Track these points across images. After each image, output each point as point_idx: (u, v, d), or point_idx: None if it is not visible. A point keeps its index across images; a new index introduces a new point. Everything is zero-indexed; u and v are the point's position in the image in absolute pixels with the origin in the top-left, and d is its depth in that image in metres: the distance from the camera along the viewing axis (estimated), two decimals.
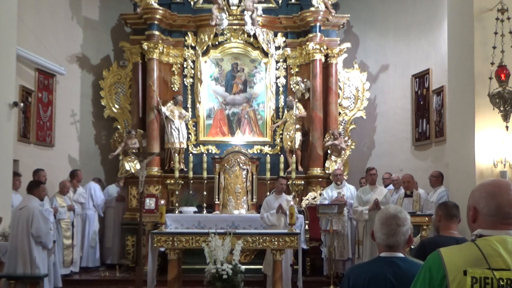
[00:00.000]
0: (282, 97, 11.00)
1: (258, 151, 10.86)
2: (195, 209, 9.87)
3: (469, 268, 1.83)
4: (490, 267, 1.82)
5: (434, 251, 1.96)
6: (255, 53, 11.06)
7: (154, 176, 10.46)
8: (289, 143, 10.57)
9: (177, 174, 10.21)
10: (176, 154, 10.44)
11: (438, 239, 3.93)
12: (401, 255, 2.60)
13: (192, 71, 11.00)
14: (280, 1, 10.99)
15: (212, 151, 10.88)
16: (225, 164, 10.21)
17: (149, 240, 7.30)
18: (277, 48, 10.96)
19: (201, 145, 10.96)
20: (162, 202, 7.84)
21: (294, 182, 10.15)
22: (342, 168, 10.21)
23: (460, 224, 4.27)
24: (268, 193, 9.67)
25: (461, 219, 4.19)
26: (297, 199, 10.15)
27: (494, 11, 6.60)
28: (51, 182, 9.38)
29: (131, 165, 10.38)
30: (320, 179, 10.43)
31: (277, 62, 10.98)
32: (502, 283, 1.81)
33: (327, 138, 10.57)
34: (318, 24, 10.60)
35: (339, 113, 10.98)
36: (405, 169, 9.98)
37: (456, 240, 3.76)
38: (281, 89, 11.02)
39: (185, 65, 11.01)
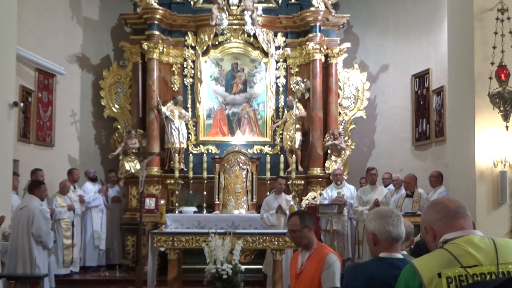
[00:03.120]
0: (282, 97, 11.01)
1: (258, 151, 10.86)
2: (195, 209, 9.87)
3: (443, 270, 1.88)
4: (462, 266, 1.88)
5: (407, 264, 2.04)
6: (255, 53, 11.06)
7: (154, 176, 10.46)
8: (289, 143, 10.57)
9: (177, 174, 10.21)
10: (176, 154, 10.44)
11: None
12: (400, 256, 2.59)
13: (192, 71, 11.00)
14: (280, 1, 10.99)
15: (212, 151, 10.88)
16: (225, 164, 10.21)
17: (149, 240, 7.30)
18: (277, 48, 10.96)
19: (201, 145, 10.97)
20: (162, 202, 7.85)
21: (294, 182, 10.14)
22: (342, 168, 10.21)
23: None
24: (268, 193, 9.67)
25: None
26: (297, 199, 10.15)
27: (494, 11, 6.60)
28: (51, 182, 9.38)
29: (131, 165, 10.38)
30: (320, 179, 10.43)
31: (277, 62, 10.98)
32: (476, 278, 1.87)
33: (327, 138, 10.57)
34: (318, 24, 10.60)
35: (339, 113, 10.98)
36: (405, 169, 9.98)
37: None
38: (281, 89, 11.02)
39: (185, 65, 11.01)
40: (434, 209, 2.10)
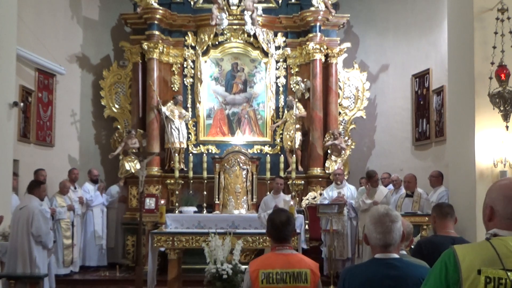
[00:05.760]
0: (282, 97, 11.01)
1: (258, 151, 10.86)
2: (195, 209, 9.87)
3: (483, 268, 1.82)
4: (504, 268, 1.81)
5: (448, 249, 1.95)
6: (255, 53, 11.06)
7: (154, 176, 10.46)
8: (289, 143, 10.57)
9: (177, 174, 10.21)
10: (176, 154, 10.45)
11: (434, 239, 3.95)
12: (396, 255, 2.57)
13: (192, 71, 11.00)
14: (280, 1, 11.00)
15: (212, 151, 10.88)
16: (225, 164, 10.22)
17: (149, 240, 7.30)
18: (277, 48, 10.96)
19: (201, 145, 10.97)
20: (162, 202, 7.84)
21: (294, 182, 10.14)
22: (342, 168, 10.21)
23: (460, 224, 4.26)
24: (268, 193, 9.68)
25: (458, 219, 4.21)
26: (297, 199, 10.15)
27: (494, 11, 6.60)
28: (51, 182, 9.38)
29: (131, 165, 10.38)
30: (320, 179, 10.43)
31: (277, 62, 10.98)
32: None
33: (327, 138, 10.57)
34: (318, 24, 10.60)
35: (339, 113, 10.99)
36: (405, 169, 9.98)
37: (452, 239, 3.77)
38: (281, 89, 11.02)
39: (185, 65, 11.01)
40: (510, 206, 1.94)
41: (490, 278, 1.81)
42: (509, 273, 1.81)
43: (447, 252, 1.94)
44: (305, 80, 10.67)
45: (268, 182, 10.00)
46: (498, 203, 1.98)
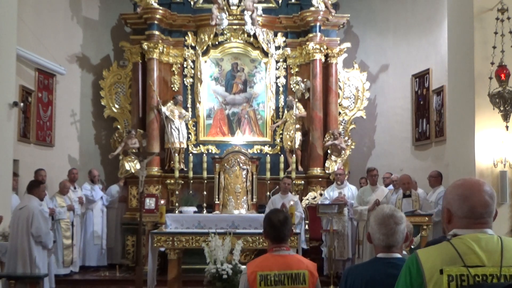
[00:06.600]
0: (282, 97, 11.01)
1: (258, 151, 10.86)
2: (195, 209, 9.87)
3: (445, 267, 1.87)
4: (465, 265, 1.86)
5: (412, 253, 2.01)
6: (255, 53, 11.06)
7: (154, 176, 10.46)
8: (289, 143, 10.57)
9: (177, 174, 10.22)
10: (176, 154, 10.45)
11: (442, 240, 3.94)
12: (398, 255, 2.57)
13: (192, 71, 11.00)
14: (280, 1, 10.99)
15: (212, 151, 10.88)
16: (225, 164, 10.21)
17: (149, 240, 7.30)
18: (277, 48, 10.96)
19: (201, 145, 10.97)
20: (162, 202, 7.85)
21: (294, 182, 10.14)
22: (342, 168, 10.21)
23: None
24: (268, 193, 9.69)
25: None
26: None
27: (494, 11, 6.60)
28: (51, 182, 9.39)
29: (131, 165, 10.38)
30: (320, 179, 10.43)
31: (277, 62, 10.98)
32: (477, 279, 1.85)
33: (327, 138, 10.57)
34: (318, 24, 10.60)
35: (339, 113, 10.99)
36: (405, 169, 9.98)
37: None
38: (281, 89, 11.02)
39: (185, 65, 11.01)
40: (465, 205, 1.99)
41: (452, 276, 1.85)
42: (470, 269, 1.85)
43: (411, 257, 2.00)
44: (305, 80, 10.67)
45: (268, 182, 10.00)
46: (453, 203, 2.02)
